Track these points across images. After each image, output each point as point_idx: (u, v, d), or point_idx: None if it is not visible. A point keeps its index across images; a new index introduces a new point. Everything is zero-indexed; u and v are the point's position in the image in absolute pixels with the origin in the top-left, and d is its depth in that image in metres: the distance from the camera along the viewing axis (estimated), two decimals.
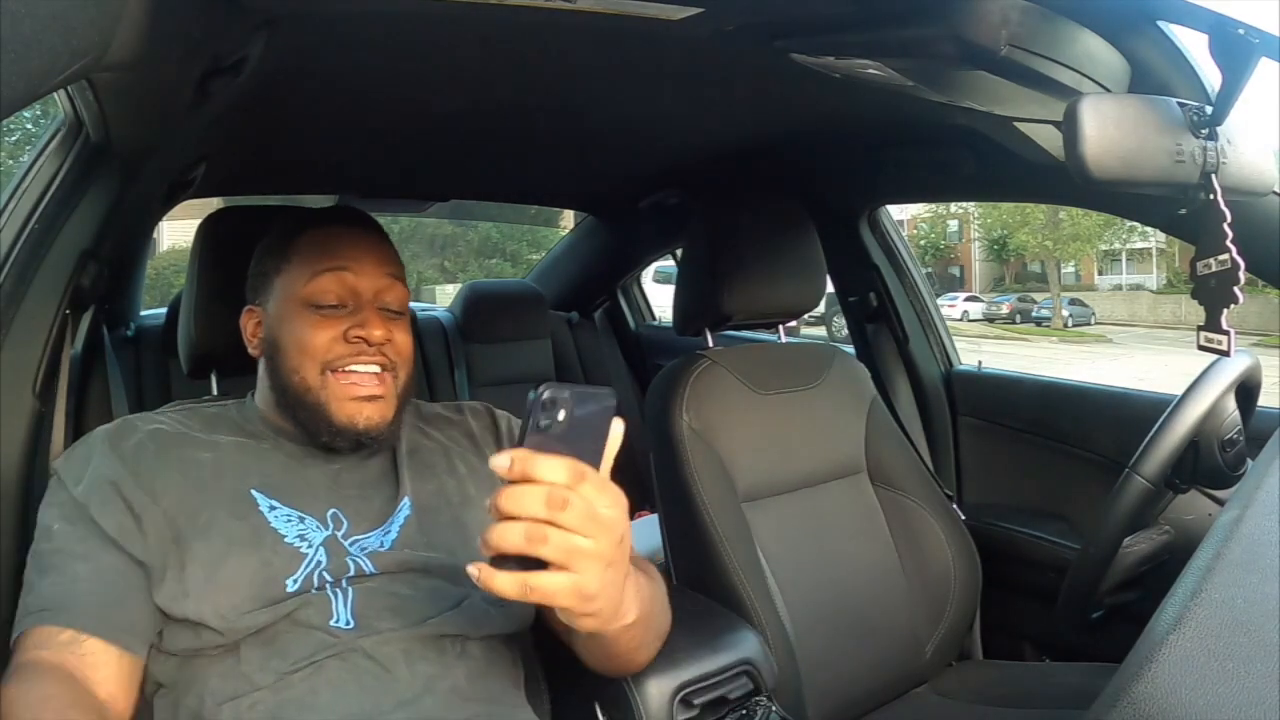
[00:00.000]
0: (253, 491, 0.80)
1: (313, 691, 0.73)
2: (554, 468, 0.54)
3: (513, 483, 0.54)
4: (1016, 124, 1.00)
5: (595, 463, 0.56)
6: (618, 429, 0.57)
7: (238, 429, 0.86)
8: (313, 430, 0.83)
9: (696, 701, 0.85)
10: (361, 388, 0.81)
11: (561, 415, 0.54)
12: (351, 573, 0.78)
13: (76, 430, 1.02)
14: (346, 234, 0.86)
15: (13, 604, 0.73)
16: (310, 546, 0.78)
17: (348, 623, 0.76)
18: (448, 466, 0.90)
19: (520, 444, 0.54)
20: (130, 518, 0.75)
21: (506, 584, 0.55)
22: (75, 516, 0.75)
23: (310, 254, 0.84)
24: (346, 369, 0.81)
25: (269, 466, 0.83)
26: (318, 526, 0.80)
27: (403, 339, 0.85)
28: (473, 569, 0.55)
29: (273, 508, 0.79)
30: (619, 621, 0.65)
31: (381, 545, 0.81)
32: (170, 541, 0.75)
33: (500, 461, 0.54)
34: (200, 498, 0.78)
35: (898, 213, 2.12)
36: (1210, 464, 1.06)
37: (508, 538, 0.54)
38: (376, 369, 0.82)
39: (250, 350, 0.88)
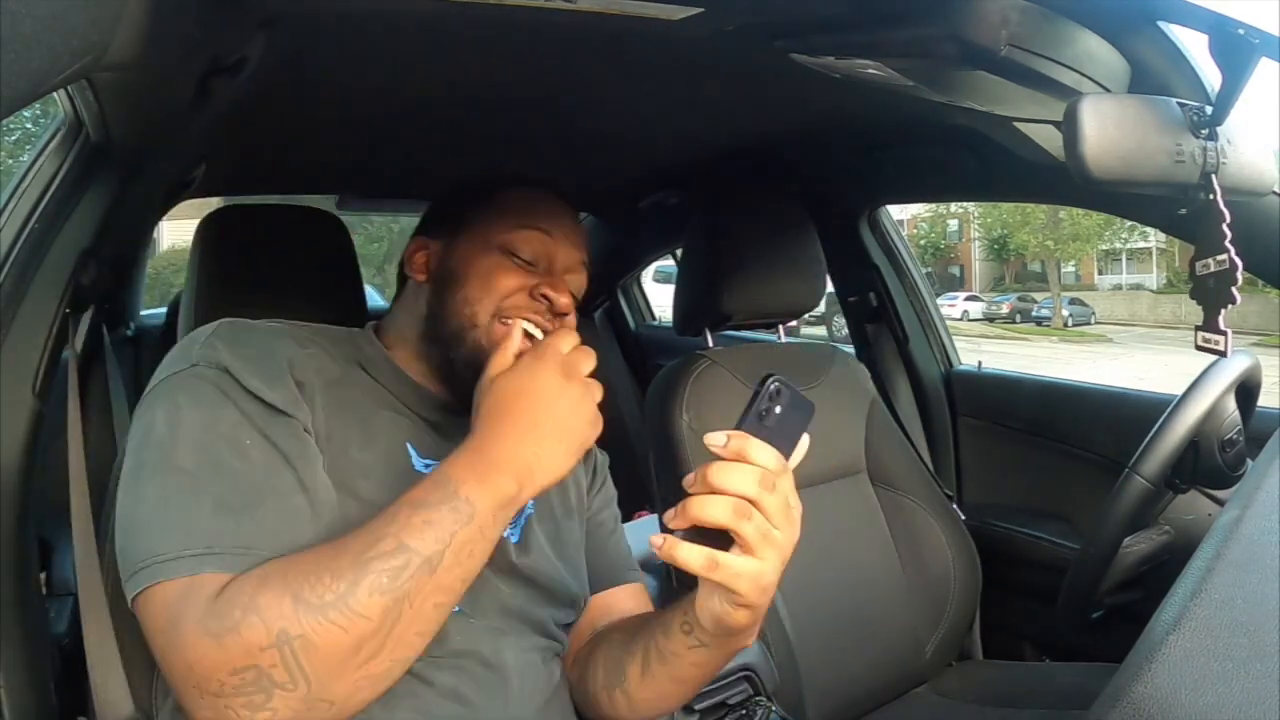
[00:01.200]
0: (407, 444, 0.74)
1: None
2: (766, 453, 0.56)
3: (718, 463, 0.56)
4: (1016, 124, 1.00)
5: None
6: (806, 442, 0.60)
7: (369, 369, 0.78)
8: (448, 372, 0.77)
9: (697, 707, 0.85)
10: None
11: (778, 410, 0.57)
12: None
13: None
14: (556, 204, 0.83)
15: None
16: None
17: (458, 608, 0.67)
18: None
19: (739, 426, 0.57)
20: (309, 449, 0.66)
21: (694, 556, 0.56)
22: (268, 433, 0.64)
23: (518, 206, 0.81)
24: (510, 321, 0.75)
25: (416, 421, 0.77)
26: None
27: (572, 323, 0.79)
28: (657, 539, 0.56)
29: (427, 465, 0.73)
30: (755, 631, 0.65)
31: (511, 538, 0.77)
32: (335, 483, 0.67)
33: (717, 438, 0.56)
34: (362, 434, 0.71)
35: (898, 213, 2.12)
36: (1210, 464, 1.06)
37: (712, 509, 0.55)
38: (540, 336, 0.76)
39: (414, 275, 0.83)
